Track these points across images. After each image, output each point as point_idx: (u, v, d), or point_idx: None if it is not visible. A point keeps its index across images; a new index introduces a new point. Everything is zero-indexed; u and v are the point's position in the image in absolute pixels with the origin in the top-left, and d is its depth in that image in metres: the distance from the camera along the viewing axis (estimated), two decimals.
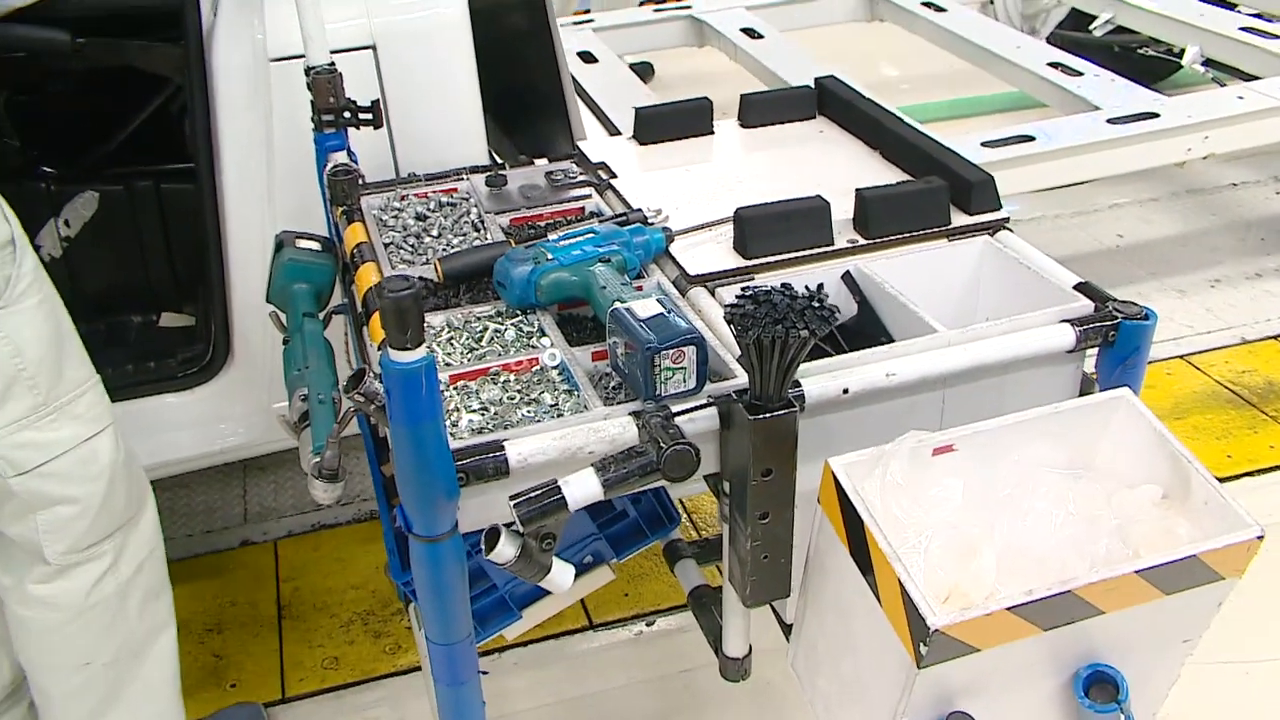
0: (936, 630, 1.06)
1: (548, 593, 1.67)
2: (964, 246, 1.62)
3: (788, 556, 1.29)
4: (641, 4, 4.61)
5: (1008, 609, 1.08)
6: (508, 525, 1.16)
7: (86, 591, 1.62)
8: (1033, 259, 1.55)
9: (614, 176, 1.84)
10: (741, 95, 2.06)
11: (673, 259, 1.57)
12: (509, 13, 2.17)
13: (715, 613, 1.55)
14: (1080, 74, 3.25)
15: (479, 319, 1.47)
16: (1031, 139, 2.82)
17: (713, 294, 1.51)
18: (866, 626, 1.18)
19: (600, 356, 1.40)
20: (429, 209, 1.74)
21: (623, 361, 1.29)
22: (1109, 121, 2.92)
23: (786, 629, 1.46)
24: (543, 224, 1.69)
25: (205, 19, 1.97)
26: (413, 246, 1.64)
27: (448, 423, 1.24)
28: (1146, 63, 4.24)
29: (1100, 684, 1.18)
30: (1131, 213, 3.84)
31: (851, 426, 1.34)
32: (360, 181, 1.74)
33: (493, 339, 1.43)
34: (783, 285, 1.19)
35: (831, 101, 2.04)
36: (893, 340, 1.44)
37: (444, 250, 1.62)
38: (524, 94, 2.21)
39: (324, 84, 1.72)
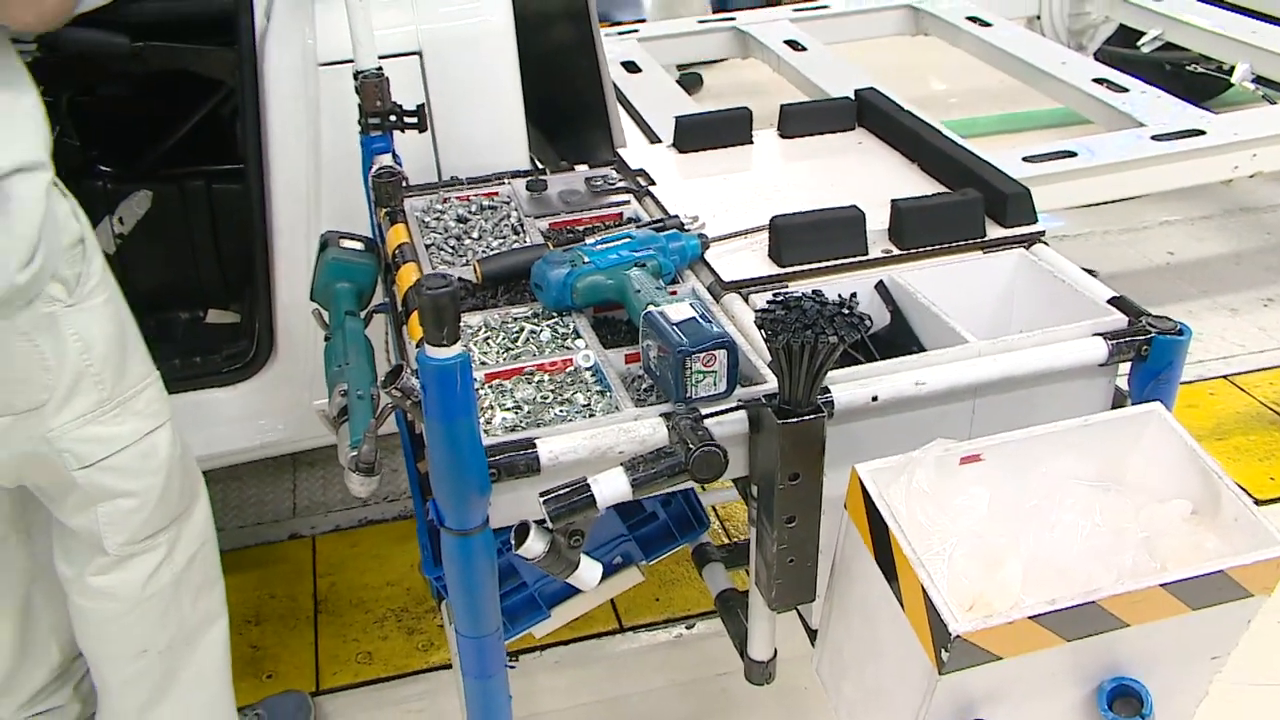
0: (958, 636, 1.06)
1: (577, 592, 1.70)
2: (998, 259, 1.62)
3: (814, 561, 1.30)
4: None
5: (1030, 618, 1.08)
6: (538, 521, 1.18)
7: (143, 582, 1.66)
8: (1067, 272, 1.55)
9: (653, 183, 1.86)
10: (781, 106, 2.07)
11: (708, 265, 1.59)
12: (554, 24, 2.20)
13: (741, 616, 1.57)
14: (1126, 90, 3.22)
15: (516, 320, 1.50)
16: (1073, 154, 2.80)
17: (746, 300, 1.52)
18: (890, 632, 1.19)
19: (634, 359, 1.41)
20: (470, 212, 1.77)
21: (655, 364, 1.31)
22: (1153, 138, 2.89)
23: (812, 634, 1.47)
24: (581, 228, 1.71)
25: (258, 24, 2.01)
26: (453, 248, 1.67)
27: (482, 420, 1.26)
28: (1196, 79, 4.19)
29: (1125, 698, 1.18)
30: (1182, 230, 3.80)
31: (880, 434, 1.34)
32: (404, 184, 1.77)
33: (528, 339, 1.46)
34: (814, 292, 1.20)
35: (870, 113, 2.05)
36: (924, 350, 1.45)
37: (484, 252, 1.64)
38: (567, 102, 2.24)
39: (371, 88, 1.76)
